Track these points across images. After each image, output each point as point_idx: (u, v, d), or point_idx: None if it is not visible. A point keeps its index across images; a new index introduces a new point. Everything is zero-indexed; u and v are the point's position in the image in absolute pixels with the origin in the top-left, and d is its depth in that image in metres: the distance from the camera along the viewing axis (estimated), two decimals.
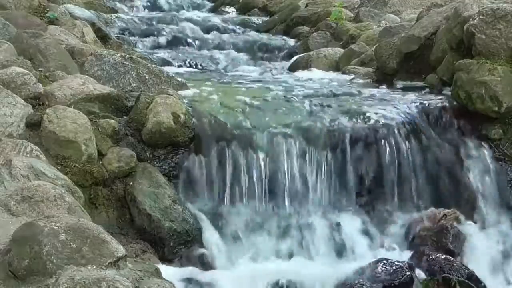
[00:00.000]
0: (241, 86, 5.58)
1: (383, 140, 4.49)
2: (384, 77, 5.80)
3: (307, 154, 4.37)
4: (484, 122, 4.64)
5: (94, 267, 2.60)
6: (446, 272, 3.88)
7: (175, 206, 4.02)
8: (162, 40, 8.07)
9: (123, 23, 8.38)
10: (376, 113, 4.65)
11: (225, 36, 8.34)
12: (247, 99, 4.87)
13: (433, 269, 3.92)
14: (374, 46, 6.15)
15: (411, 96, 5.03)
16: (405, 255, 4.10)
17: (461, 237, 4.20)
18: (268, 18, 9.52)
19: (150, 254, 3.84)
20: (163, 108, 4.28)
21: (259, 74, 6.72)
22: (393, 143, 4.50)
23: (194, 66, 7.28)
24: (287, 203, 4.29)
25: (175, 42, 8.05)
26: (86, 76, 4.73)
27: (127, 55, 5.30)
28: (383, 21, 7.75)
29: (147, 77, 5.06)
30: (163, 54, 7.49)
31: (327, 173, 4.39)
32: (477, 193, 4.48)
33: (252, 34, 8.64)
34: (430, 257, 3.97)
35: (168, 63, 7.15)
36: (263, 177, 4.28)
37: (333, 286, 3.83)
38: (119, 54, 5.26)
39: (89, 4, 8.34)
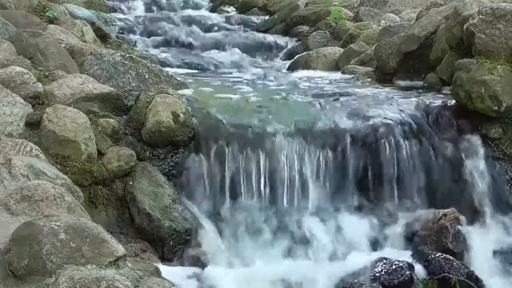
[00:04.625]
0: (240, 85, 5.58)
1: (382, 140, 4.49)
2: (383, 76, 5.80)
3: (307, 153, 4.37)
4: (483, 121, 4.64)
5: (94, 266, 2.59)
6: (445, 271, 3.87)
7: (174, 205, 4.02)
8: (162, 39, 8.07)
9: (123, 22, 8.38)
10: (375, 113, 4.65)
11: (225, 36, 8.33)
12: (247, 99, 4.88)
13: (433, 268, 3.92)
14: (374, 46, 6.15)
15: (411, 95, 5.03)
16: (405, 255, 4.10)
17: (460, 236, 4.19)
18: (267, 17, 9.52)
19: (149, 253, 3.84)
20: (163, 107, 4.28)
21: (258, 73, 6.71)
22: (392, 142, 4.49)
23: (193, 66, 7.27)
24: (286, 202, 4.29)
25: (174, 42, 8.05)
26: (86, 75, 4.73)
27: (127, 55, 5.30)
28: (382, 21, 7.75)
29: (146, 77, 5.05)
30: (162, 53, 7.49)
31: (327, 172, 4.38)
32: (477, 192, 4.48)
33: (252, 34, 8.64)
34: (430, 256, 3.97)
35: (168, 63, 7.15)
36: (263, 176, 4.28)
37: (333, 285, 3.83)
38: (118, 54, 5.26)
39: (88, 3, 8.34)
